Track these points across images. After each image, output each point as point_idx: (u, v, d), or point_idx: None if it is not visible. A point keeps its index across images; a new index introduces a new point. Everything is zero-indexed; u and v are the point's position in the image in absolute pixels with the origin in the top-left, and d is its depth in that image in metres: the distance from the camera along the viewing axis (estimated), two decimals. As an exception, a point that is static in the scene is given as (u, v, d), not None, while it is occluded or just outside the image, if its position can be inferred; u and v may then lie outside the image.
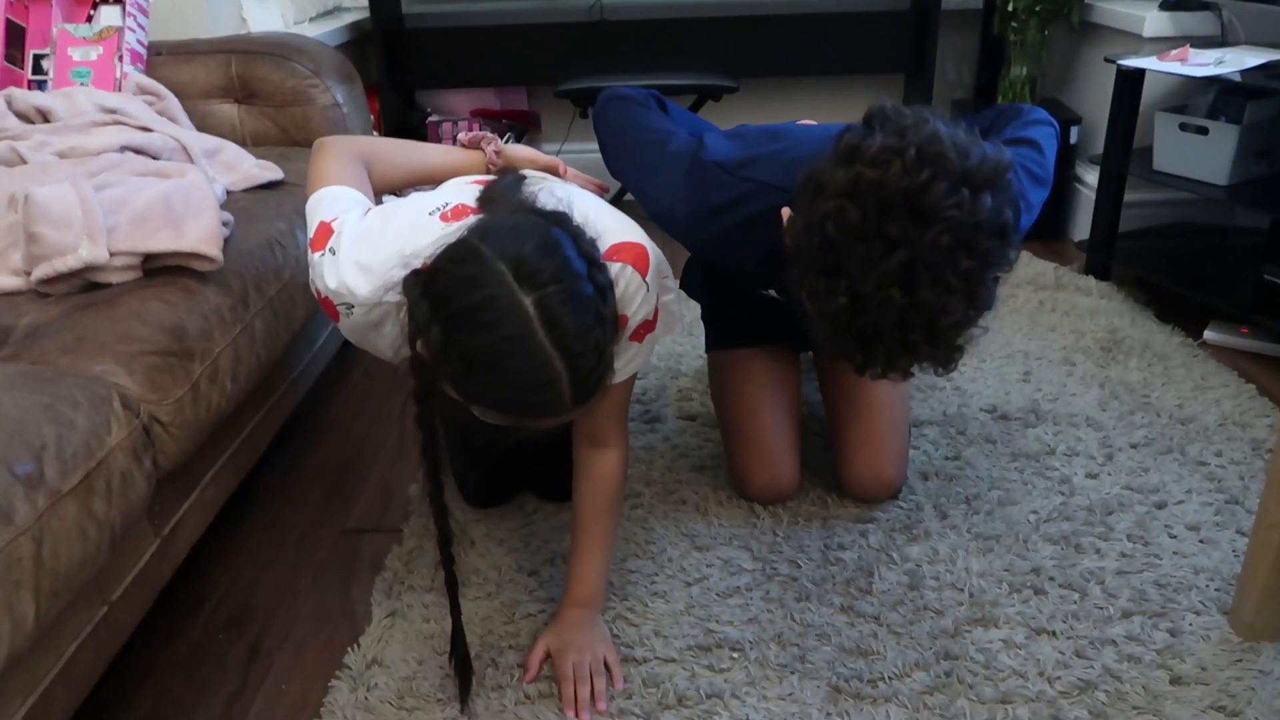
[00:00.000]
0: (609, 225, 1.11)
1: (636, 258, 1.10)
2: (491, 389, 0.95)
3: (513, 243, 0.95)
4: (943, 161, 0.90)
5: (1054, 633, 1.24)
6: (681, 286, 1.59)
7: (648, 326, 1.15)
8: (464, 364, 0.94)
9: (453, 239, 0.97)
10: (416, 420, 0.99)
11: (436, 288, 0.95)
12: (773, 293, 1.38)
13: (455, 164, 1.31)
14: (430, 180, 1.29)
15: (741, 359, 1.53)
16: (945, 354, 0.97)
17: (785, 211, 1.04)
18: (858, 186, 0.92)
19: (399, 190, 1.31)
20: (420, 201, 1.14)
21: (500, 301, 0.92)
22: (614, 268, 1.07)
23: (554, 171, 1.34)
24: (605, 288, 0.99)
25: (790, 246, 0.99)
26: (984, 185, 0.91)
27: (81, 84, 1.76)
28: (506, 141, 1.36)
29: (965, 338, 0.97)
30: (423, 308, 0.94)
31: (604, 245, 1.07)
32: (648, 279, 1.10)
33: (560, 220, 1.01)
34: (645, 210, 1.29)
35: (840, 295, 0.94)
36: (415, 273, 0.97)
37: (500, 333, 0.92)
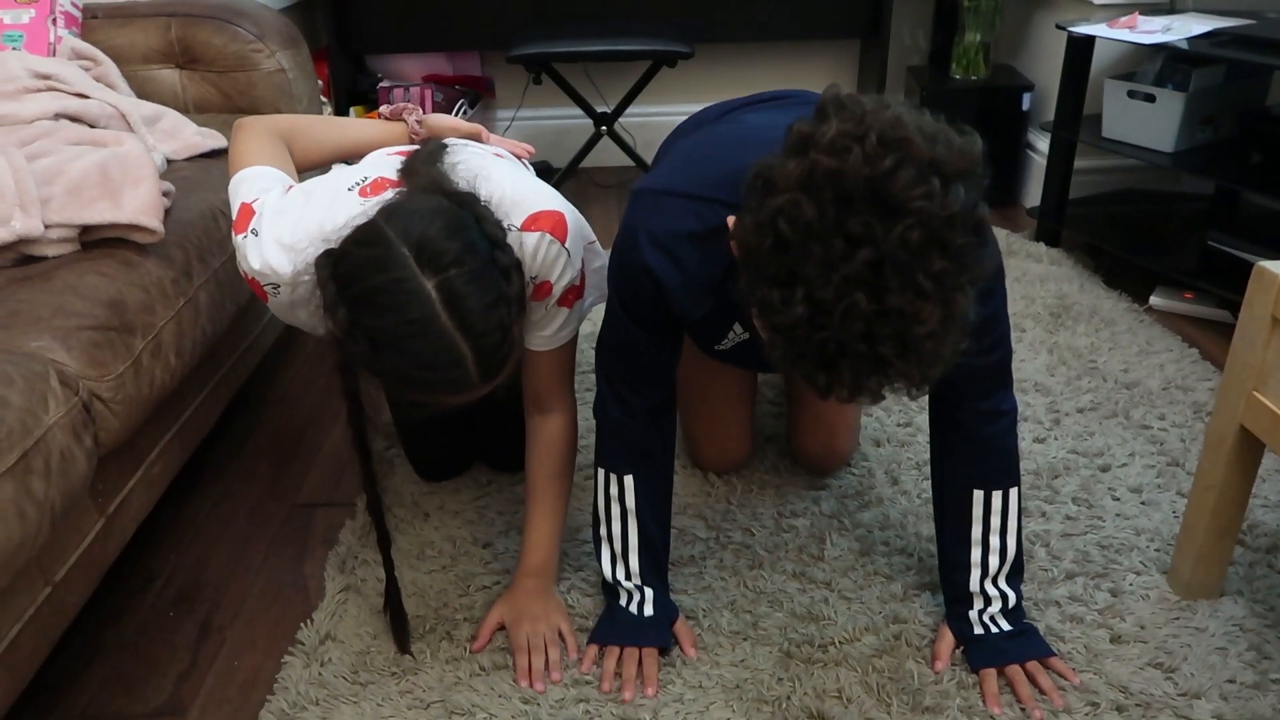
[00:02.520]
0: (525, 195, 1.11)
1: (554, 225, 1.10)
2: (398, 368, 0.96)
3: (417, 225, 0.96)
4: (908, 147, 0.79)
5: (1000, 595, 1.27)
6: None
7: (575, 291, 1.15)
8: (370, 344, 0.95)
9: (361, 220, 0.98)
10: (341, 391, 1.02)
11: (342, 270, 0.96)
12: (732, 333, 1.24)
13: (378, 137, 1.31)
14: (354, 155, 1.29)
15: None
16: (921, 370, 0.83)
17: (731, 219, 0.91)
18: (813, 178, 0.80)
19: (323, 167, 1.29)
20: (340, 177, 1.14)
21: (403, 285, 0.93)
22: (532, 237, 1.08)
23: (476, 138, 1.33)
24: (510, 268, 1.00)
25: (738, 252, 0.87)
26: (956, 174, 0.80)
27: (13, 48, 1.69)
28: (459, 110, 1.34)
29: (939, 355, 0.83)
30: (330, 289, 0.96)
31: (521, 215, 1.08)
32: (567, 244, 1.11)
33: (467, 201, 1.02)
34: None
35: (797, 305, 0.81)
36: (326, 253, 0.98)
37: (403, 315, 0.94)
